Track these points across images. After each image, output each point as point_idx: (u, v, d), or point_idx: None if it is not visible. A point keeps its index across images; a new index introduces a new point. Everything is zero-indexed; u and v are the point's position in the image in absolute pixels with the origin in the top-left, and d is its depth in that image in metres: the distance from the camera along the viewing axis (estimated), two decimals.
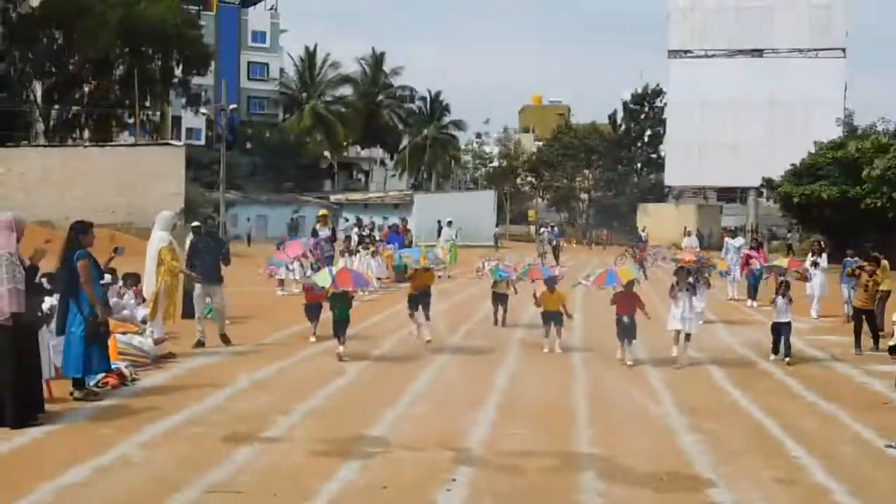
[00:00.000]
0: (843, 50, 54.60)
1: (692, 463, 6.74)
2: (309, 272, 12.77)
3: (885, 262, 13.44)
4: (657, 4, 70.88)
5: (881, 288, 13.12)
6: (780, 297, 11.33)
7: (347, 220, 41.86)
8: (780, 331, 11.36)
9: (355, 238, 22.74)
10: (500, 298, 14.02)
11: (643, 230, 41.50)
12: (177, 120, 58.74)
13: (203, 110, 52.43)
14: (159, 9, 43.00)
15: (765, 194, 45.38)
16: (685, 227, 33.65)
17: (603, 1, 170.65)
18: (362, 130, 66.69)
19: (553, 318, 11.71)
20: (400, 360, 10.98)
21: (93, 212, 17.99)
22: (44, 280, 8.82)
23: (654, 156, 65.79)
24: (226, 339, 11.57)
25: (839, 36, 54.27)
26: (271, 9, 72.42)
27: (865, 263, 12.95)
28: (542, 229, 36.12)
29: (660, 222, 51.94)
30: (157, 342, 10.54)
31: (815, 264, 16.14)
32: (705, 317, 13.59)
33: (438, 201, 49.66)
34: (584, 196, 67.76)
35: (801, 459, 6.85)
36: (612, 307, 10.98)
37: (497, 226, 53.65)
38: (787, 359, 11.22)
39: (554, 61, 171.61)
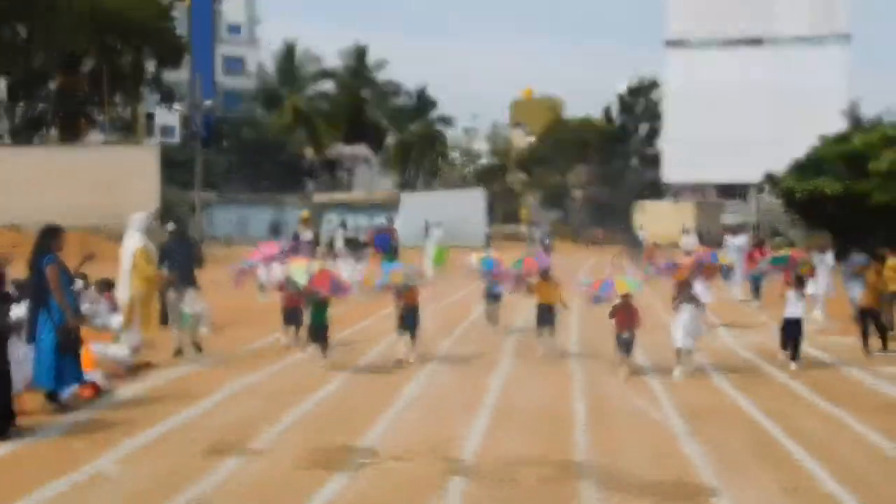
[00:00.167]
0: (848, 36, 52.94)
1: (695, 470, 6.53)
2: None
3: (892, 261, 12.91)
4: None
5: (890, 289, 12.68)
6: (791, 289, 10.83)
7: (331, 222, 41.37)
8: (789, 330, 10.80)
9: (341, 241, 22.17)
10: (493, 295, 13.75)
11: (641, 229, 40.38)
12: (150, 117, 57.85)
13: (177, 107, 51.60)
14: None
15: (766, 190, 44.58)
16: (683, 225, 33.40)
17: None
18: (346, 127, 66.04)
19: (547, 318, 11.37)
20: (389, 365, 10.63)
21: (63, 214, 17.43)
22: (11, 287, 8.47)
23: (650, 152, 64.60)
24: (198, 347, 11.17)
25: (844, 21, 52.66)
26: None
27: (871, 261, 12.58)
28: (534, 228, 35.51)
29: (657, 220, 49.67)
30: (132, 351, 10.19)
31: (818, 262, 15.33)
32: (707, 318, 13.17)
33: (427, 201, 49.22)
34: (577, 193, 67.27)
35: (808, 467, 6.65)
36: (611, 311, 10.48)
37: (489, 225, 53.15)
38: (794, 364, 10.65)
39: (545, 53, 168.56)
